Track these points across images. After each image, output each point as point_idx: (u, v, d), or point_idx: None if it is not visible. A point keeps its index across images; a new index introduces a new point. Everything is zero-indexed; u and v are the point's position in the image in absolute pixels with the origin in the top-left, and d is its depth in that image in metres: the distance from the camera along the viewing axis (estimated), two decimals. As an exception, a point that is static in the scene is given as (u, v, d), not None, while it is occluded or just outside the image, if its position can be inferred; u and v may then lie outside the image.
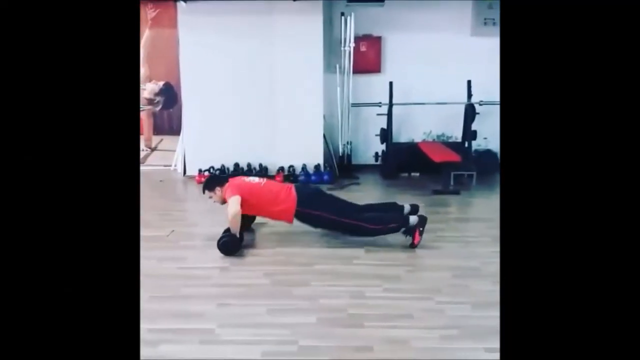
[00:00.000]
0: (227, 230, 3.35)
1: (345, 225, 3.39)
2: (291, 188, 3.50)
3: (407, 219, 3.36)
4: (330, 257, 3.22)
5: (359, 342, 2.22)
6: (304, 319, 2.41)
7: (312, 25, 5.24)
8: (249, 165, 5.55)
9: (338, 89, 5.58)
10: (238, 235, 3.31)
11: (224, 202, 3.50)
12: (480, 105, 5.54)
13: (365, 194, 4.91)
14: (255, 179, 3.63)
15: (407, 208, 3.59)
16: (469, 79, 5.42)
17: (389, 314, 2.46)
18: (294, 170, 5.48)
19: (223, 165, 5.53)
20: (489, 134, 5.75)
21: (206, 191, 3.58)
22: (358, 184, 5.31)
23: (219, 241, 3.26)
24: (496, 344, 2.18)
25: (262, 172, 5.48)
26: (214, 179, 3.68)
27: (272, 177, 5.43)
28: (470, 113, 5.37)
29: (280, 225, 3.64)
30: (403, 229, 3.36)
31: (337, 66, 5.54)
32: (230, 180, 3.57)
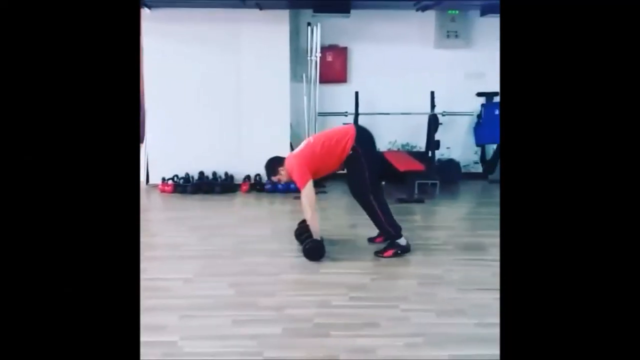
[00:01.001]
0: (309, 236, 3.28)
1: (370, 195, 3.33)
2: (352, 129, 3.38)
3: (400, 234, 3.41)
4: (297, 266, 3.21)
5: (325, 352, 2.20)
6: (269, 330, 2.38)
7: (279, 34, 5.25)
8: (214, 173, 5.48)
9: (305, 98, 5.59)
10: (320, 238, 3.27)
11: (289, 179, 3.44)
12: (443, 115, 5.67)
13: (332, 203, 4.93)
14: (302, 144, 3.48)
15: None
16: (432, 90, 5.54)
17: (355, 322, 2.46)
18: (260, 178, 5.44)
19: (187, 174, 5.44)
20: (451, 144, 5.89)
21: (271, 177, 3.53)
22: (325, 192, 5.32)
23: (304, 246, 3.23)
24: (460, 351, 2.22)
25: (228, 180, 5.41)
26: (272, 163, 3.52)
27: (237, 186, 5.41)
28: (433, 123, 5.49)
29: (247, 235, 3.60)
30: (383, 239, 3.44)
31: (304, 75, 5.56)
32: (289, 157, 3.43)
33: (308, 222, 3.31)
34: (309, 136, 5.63)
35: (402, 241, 3.39)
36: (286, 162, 3.41)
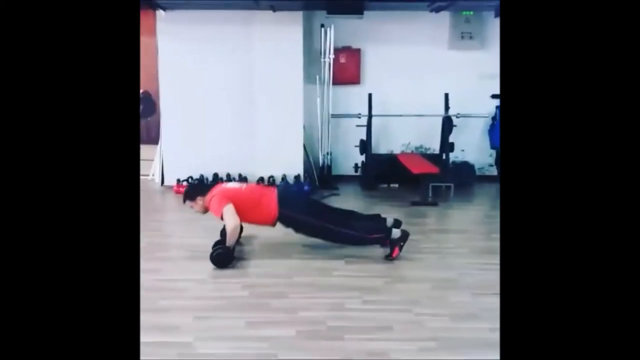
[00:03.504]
0: (219, 243, 3.30)
1: (330, 231, 3.36)
2: (273, 191, 3.48)
3: (390, 232, 3.38)
4: (310, 268, 3.21)
5: (338, 354, 2.21)
6: (283, 332, 2.39)
7: (292, 36, 5.26)
8: (228, 175, 5.51)
9: (318, 99, 5.60)
10: (232, 247, 3.27)
11: (205, 211, 3.45)
12: (457, 117, 5.63)
13: (345, 204, 4.91)
14: (235, 184, 3.59)
15: (389, 221, 3.60)
16: (446, 91, 5.51)
17: (368, 326, 2.46)
18: (273, 180, 5.46)
19: (202, 175, 5.48)
20: (466, 146, 5.84)
21: (187, 201, 3.52)
22: (338, 194, 5.32)
23: (212, 253, 3.20)
24: (474, 356, 2.20)
25: (242, 181, 5.44)
26: (195, 188, 3.63)
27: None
28: (447, 125, 5.45)
29: (259, 236, 3.62)
30: (384, 241, 3.37)
31: (317, 77, 5.56)
32: (213, 189, 3.51)
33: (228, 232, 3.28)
34: (321, 137, 5.66)
35: (396, 234, 3.36)
36: (207, 197, 3.42)
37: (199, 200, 3.45)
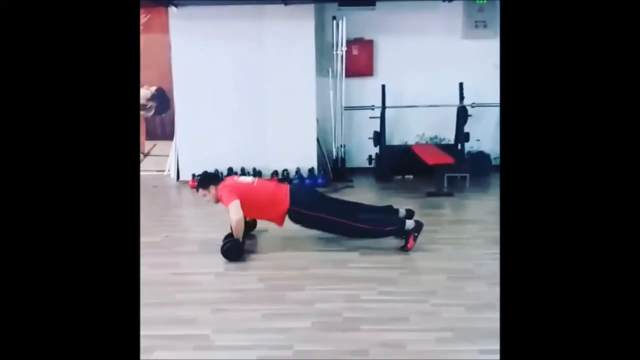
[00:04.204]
0: (229, 236, 3.33)
1: (342, 226, 3.37)
2: (286, 188, 3.49)
3: (404, 223, 3.37)
4: (325, 260, 3.22)
5: (355, 346, 2.21)
6: (299, 324, 2.40)
7: (304, 29, 5.25)
8: (242, 169, 5.54)
9: (331, 92, 5.58)
10: (241, 240, 3.30)
11: (217, 201, 3.48)
12: (472, 107, 5.57)
13: (359, 197, 4.89)
14: (247, 179, 3.61)
15: (402, 212, 3.59)
16: (460, 81, 5.44)
17: (384, 317, 2.46)
18: (287, 173, 5.48)
19: (216, 170, 5.51)
20: (481, 136, 5.78)
21: (200, 189, 3.55)
22: (352, 186, 5.31)
23: (222, 247, 3.23)
24: (490, 346, 2.19)
25: (256, 176, 5.46)
26: (208, 177, 3.64)
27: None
28: (462, 115, 5.40)
29: (274, 229, 3.63)
30: (398, 232, 3.36)
31: (330, 70, 5.55)
32: (224, 181, 3.53)
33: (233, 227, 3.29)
34: (335, 130, 5.65)
35: (409, 224, 3.34)
36: (219, 186, 3.43)
37: (212, 189, 3.47)
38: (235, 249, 3.23)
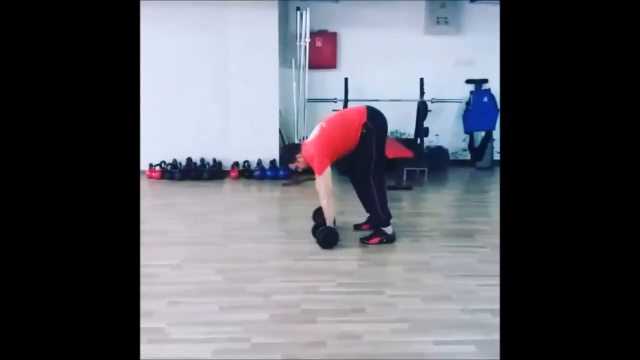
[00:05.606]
0: (319, 225, 3.32)
1: (370, 177, 3.34)
2: (363, 109, 3.37)
3: (387, 223, 3.40)
4: (285, 252, 3.21)
5: (312, 337, 2.22)
6: (257, 316, 2.39)
7: (268, 19, 5.18)
8: (202, 159, 5.44)
9: (294, 83, 5.55)
10: (333, 225, 3.29)
11: (307, 165, 3.42)
12: (432, 102, 5.67)
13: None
14: (319, 129, 3.38)
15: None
16: (421, 76, 5.53)
17: (341, 308, 2.48)
18: (249, 165, 5.42)
19: (175, 160, 5.40)
20: (440, 131, 5.90)
21: (289, 165, 3.54)
22: (313, 179, 5.30)
23: (318, 235, 3.25)
24: (445, 337, 2.25)
25: (216, 166, 5.38)
26: (290, 150, 3.58)
27: (226, 173, 5.39)
28: (422, 110, 5.48)
29: (233, 222, 3.59)
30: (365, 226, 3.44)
31: (293, 61, 5.51)
32: (306, 145, 3.39)
33: (323, 209, 3.32)
34: (297, 122, 5.63)
35: (388, 230, 3.40)
36: (303, 150, 3.37)
37: (299, 158, 3.39)
38: (331, 236, 3.26)
